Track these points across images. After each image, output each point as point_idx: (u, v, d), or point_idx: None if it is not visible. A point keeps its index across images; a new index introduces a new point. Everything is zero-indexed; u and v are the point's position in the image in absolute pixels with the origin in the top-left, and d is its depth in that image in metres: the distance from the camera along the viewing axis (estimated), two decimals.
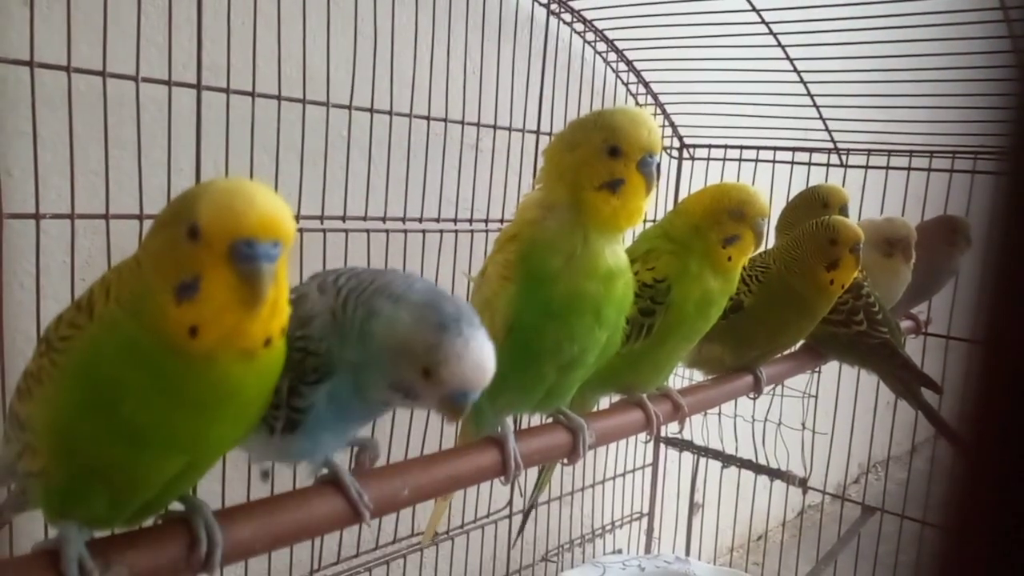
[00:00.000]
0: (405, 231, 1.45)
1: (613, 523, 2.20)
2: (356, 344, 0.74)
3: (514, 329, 0.93)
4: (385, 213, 1.39)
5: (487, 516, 1.78)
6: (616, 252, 0.93)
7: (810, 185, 1.72)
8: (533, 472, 1.21)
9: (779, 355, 1.48)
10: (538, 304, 0.91)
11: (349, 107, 1.30)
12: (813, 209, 1.56)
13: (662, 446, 2.22)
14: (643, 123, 0.89)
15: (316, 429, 0.80)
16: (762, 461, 2.00)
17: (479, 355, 0.71)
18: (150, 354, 0.59)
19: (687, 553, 2.26)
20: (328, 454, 0.84)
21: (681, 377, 1.74)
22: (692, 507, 2.30)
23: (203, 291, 0.58)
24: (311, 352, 0.74)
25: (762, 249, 1.42)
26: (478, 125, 1.54)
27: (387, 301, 0.74)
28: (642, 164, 0.88)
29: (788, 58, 1.64)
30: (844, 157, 1.87)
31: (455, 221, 1.53)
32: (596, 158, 0.88)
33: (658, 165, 0.90)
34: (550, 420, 1.07)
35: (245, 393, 0.64)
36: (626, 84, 1.91)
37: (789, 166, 1.92)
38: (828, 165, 1.89)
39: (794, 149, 1.91)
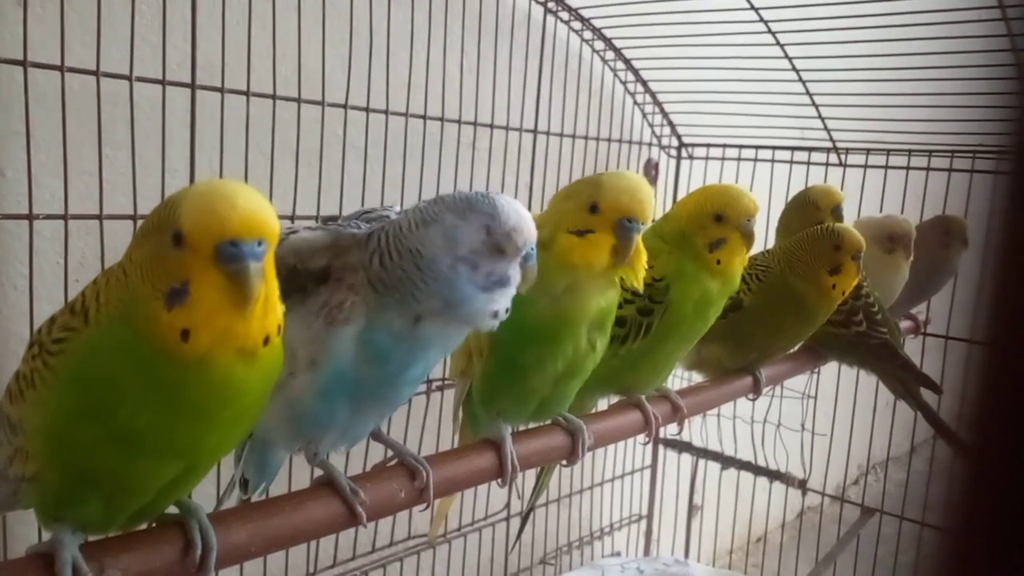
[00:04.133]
0: None
1: (612, 525, 2.19)
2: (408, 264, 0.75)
3: (496, 343, 0.93)
4: None
5: (484, 519, 1.77)
6: (606, 292, 0.95)
7: (808, 185, 1.72)
8: (531, 474, 1.20)
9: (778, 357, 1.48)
10: (514, 326, 0.90)
11: (345, 106, 1.29)
12: (807, 212, 1.56)
13: (661, 448, 2.21)
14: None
15: (335, 389, 0.78)
16: (761, 463, 2.00)
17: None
18: (146, 360, 0.59)
19: (686, 555, 2.25)
20: (339, 430, 0.82)
21: (680, 378, 1.74)
22: (691, 509, 2.29)
23: (193, 295, 0.58)
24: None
25: (761, 248, 1.42)
26: (475, 124, 1.53)
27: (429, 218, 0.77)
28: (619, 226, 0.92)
29: (787, 56, 1.64)
30: (843, 156, 1.87)
31: None
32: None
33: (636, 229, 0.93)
34: (548, 421, 1.06)
35: (248, 395, 0.64)
36: (624, 83, 1.90)
37: (788, 165, 1.92)
38: (827, 164, 1.89)
39: (793, 148, 1.90)
